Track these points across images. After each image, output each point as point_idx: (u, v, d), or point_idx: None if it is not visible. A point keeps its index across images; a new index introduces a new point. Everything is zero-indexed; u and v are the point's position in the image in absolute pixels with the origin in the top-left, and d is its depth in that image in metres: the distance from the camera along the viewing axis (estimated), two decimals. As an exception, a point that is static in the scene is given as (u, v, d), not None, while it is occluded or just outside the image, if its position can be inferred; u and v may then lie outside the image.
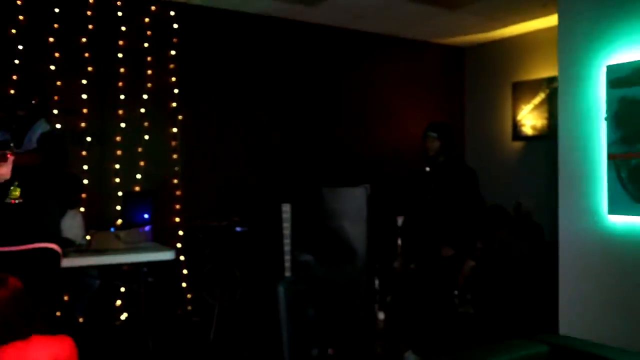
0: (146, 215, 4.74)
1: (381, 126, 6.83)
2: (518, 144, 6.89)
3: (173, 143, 5.56)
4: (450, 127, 4.28)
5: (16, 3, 4.82)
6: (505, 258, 4.80)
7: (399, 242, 4.83)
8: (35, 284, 3.01)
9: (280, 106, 6.19)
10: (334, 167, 6.35)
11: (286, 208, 4.98)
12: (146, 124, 5.42)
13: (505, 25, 6.51)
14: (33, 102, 3.16)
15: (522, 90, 6.79)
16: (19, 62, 4.83)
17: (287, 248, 4.86)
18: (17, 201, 2.99)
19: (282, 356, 3.52)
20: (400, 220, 4.83)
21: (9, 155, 2.80)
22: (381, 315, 4.78)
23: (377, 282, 4.83)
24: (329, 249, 3.49)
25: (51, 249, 3.12)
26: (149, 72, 5.43)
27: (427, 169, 4.18)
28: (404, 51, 7.07)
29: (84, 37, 5.11)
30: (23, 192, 3.01)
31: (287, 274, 4.75)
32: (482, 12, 5.99)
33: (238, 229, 5.45)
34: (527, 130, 6.74)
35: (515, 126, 6.87)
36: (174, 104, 5.55)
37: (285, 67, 6.21)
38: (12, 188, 2.99)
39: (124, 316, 5.17)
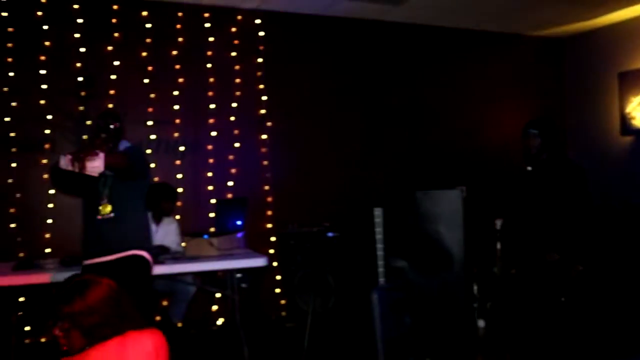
0: (239, 222, 4.78)
1: (476, 125, 6.53)
2: (627, 139, 6.36)
3: (263, 150, 5.59)
4: (552, 122, 3.99)
5: (111, 21, 5.02)
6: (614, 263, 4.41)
7: (498, 246, 4.57)
8: (128, 290, 3.08)
9: (369, 108, 6.07)
10: (427, 169, 6.15)
11: (378, 212, 4.84)
12: (236, 131, 5.48)
13: (608, 11, 6.04)
14: (125, 115, 3.26)
15: (630, 80, 6.27)
16: (116, 78, 5.02)
17: (380, 253, 4.71)
18: (107, 217, 3.09)
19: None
20: (499, 223, 4.57)
21: (99, 152, 2.87)
22: (481, 323, 4.54)
23: (475, 288, 4.60)
24: (424, 254, 3.33)
25: (142, 257, 3.18)
26: (237, 80, 5.49)
27: (529, 168, 3.91)
28: (496, 46, 6.73)
29: (174, 50, 5.25)
30: (113, 204, 3.09)
31: (381, 280, 4.61)
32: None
33: (330, 234, 5.38)
34: (638, 123, 6.21)
35: (624, 119, 6.35)
36: (263, 111, 5.58)
37: (372, 69, 6.09)
38: (102, 206, 3.10)
39: (220, 321, 5.24)
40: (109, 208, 3.08)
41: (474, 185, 5.53)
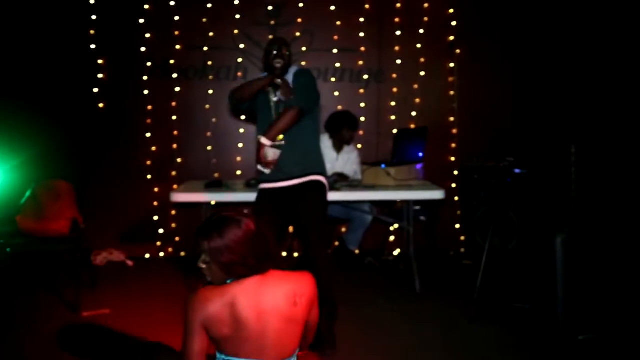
0: (419, 154, 4.65)
1: None
2: None
3: (450, 79, 5.32)
4: None
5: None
6: None
7: None
8: (305, 214, 3.17)
9: (566, 38, 5.39)
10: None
11: (572, 150, 4.36)
12: (422, 59, 5.27)
13: None
14: (287, 53, 3.26)
15: None
16: (303, 6, 5.09)
17: (571, 195, 4.28)
18: (278, 143, 3.16)
19: (556, 311, 3.15)
20: None
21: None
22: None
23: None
24: (619, 197, 2.92)
25: (319, 182, 3.23)
26: (425, 5, 5.22)
27: None
28: None
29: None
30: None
31: (568, 223, 4.20)
32: None
33: (517, 170, 4.99)
34: None
35: None
36: (451, 38, 5.27)
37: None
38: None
39: (395, 252, 5.26)
40: (280, 135, 3.15)
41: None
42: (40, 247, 4.11)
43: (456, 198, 5.31)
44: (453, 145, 5.35)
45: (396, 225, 5.21)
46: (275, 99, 3.23)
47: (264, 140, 3.12)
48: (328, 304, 3.01)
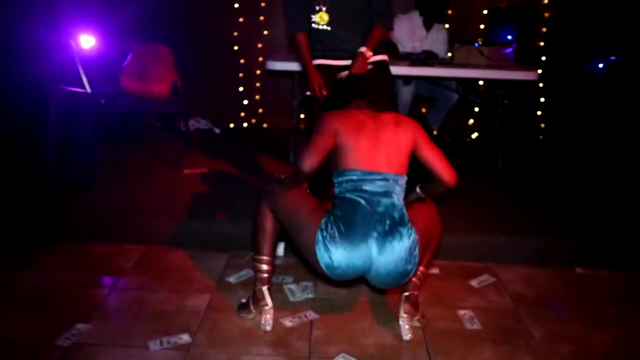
0: (509, 37, 4.56)
1: None
2: None
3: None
4: None
5: None
6: None
7: None
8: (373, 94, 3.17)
9: None
10: None
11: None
12: None
13: None
14: None
15: None
16: None
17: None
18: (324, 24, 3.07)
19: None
20: None
21: None
22: None
23: None
24: None
25: (384, 61, 3.21)
26: None
27: None
28: None
29: None
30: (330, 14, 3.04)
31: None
32: None
33: (599, 65, 4.80)
34: None
35: None
36: None
37: None
38: (318, 15, 3.04)
39: (474, 135, 5.30)
40: (325, 18, 3.05)
41: None
42: (143, 107, 4.33)
43: (541, 84, 5.23)
44: (543, 29, 5.18)
45: (477, 109, 5.22)
46: None
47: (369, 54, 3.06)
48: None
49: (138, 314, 2.48)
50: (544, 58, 5.21)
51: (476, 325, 2.49)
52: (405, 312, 2.38)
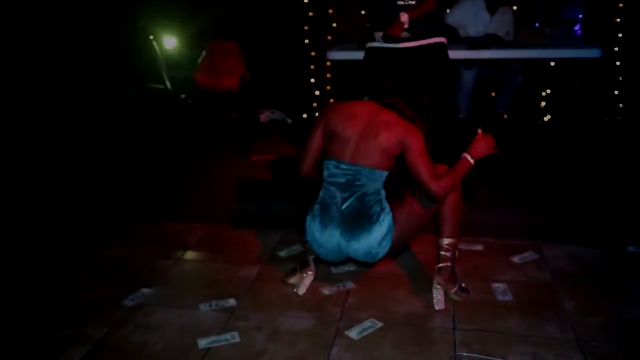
0: (578, 14, 4.46)
1: None
2: None
3: None
4: None
5: None
6: None
7: None
8: (429, 74, 3.26)
9: None
10: None
11: None
12: None
13: None
14: None
15: None
16: None
17: None
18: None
19: None
20: None
21: None
22: None
23: None
24: None
25: (441, 43, 3.28)
26: None
27: None
28: None
29: None
30: None
31: None
32: None
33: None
34: None
35: None
36: None
37: None
38: None
39: (546, 118, 5.20)
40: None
41: None
42: (214, 100, 4.69)
43: (617, 63, 5.03)
44: (620, 5, 4.98)
45: (548, 90, 5.12)
46: None
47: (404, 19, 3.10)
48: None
49: (194, 282, 2.79)
50: (620, 35, 5.01)
51: (508, 297, 2.56)
52: (438, 284, 2.51)
